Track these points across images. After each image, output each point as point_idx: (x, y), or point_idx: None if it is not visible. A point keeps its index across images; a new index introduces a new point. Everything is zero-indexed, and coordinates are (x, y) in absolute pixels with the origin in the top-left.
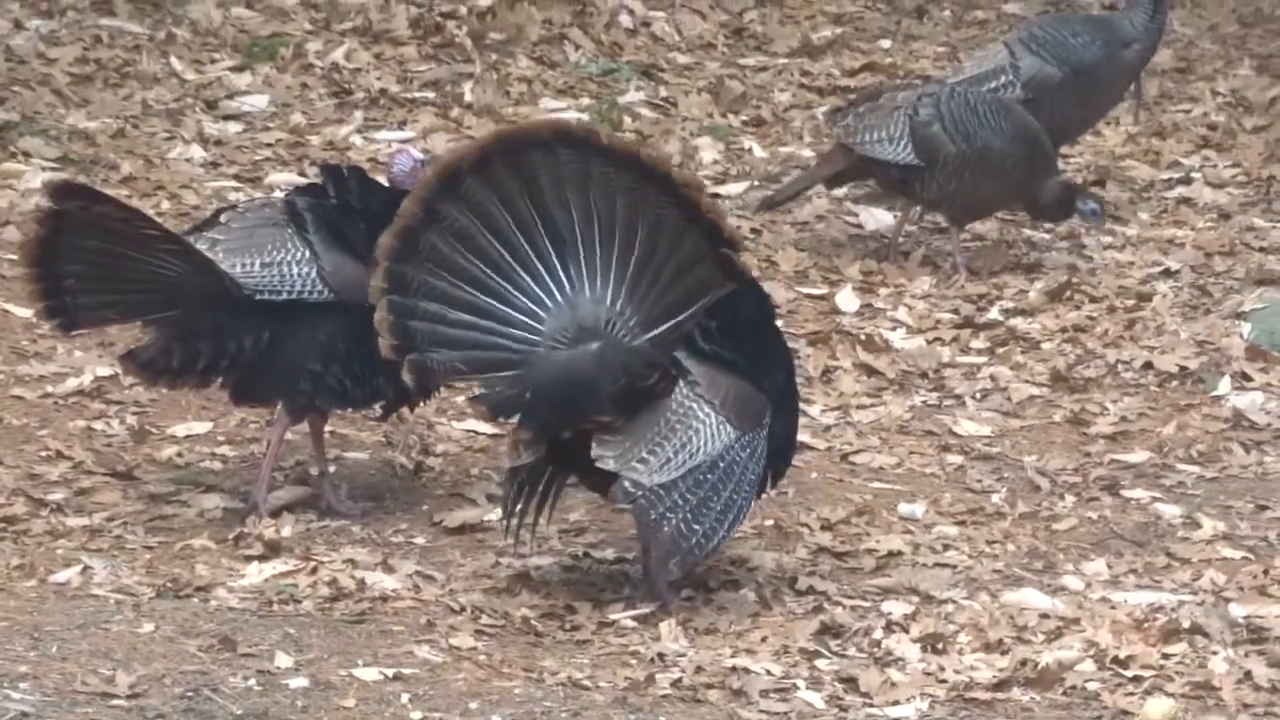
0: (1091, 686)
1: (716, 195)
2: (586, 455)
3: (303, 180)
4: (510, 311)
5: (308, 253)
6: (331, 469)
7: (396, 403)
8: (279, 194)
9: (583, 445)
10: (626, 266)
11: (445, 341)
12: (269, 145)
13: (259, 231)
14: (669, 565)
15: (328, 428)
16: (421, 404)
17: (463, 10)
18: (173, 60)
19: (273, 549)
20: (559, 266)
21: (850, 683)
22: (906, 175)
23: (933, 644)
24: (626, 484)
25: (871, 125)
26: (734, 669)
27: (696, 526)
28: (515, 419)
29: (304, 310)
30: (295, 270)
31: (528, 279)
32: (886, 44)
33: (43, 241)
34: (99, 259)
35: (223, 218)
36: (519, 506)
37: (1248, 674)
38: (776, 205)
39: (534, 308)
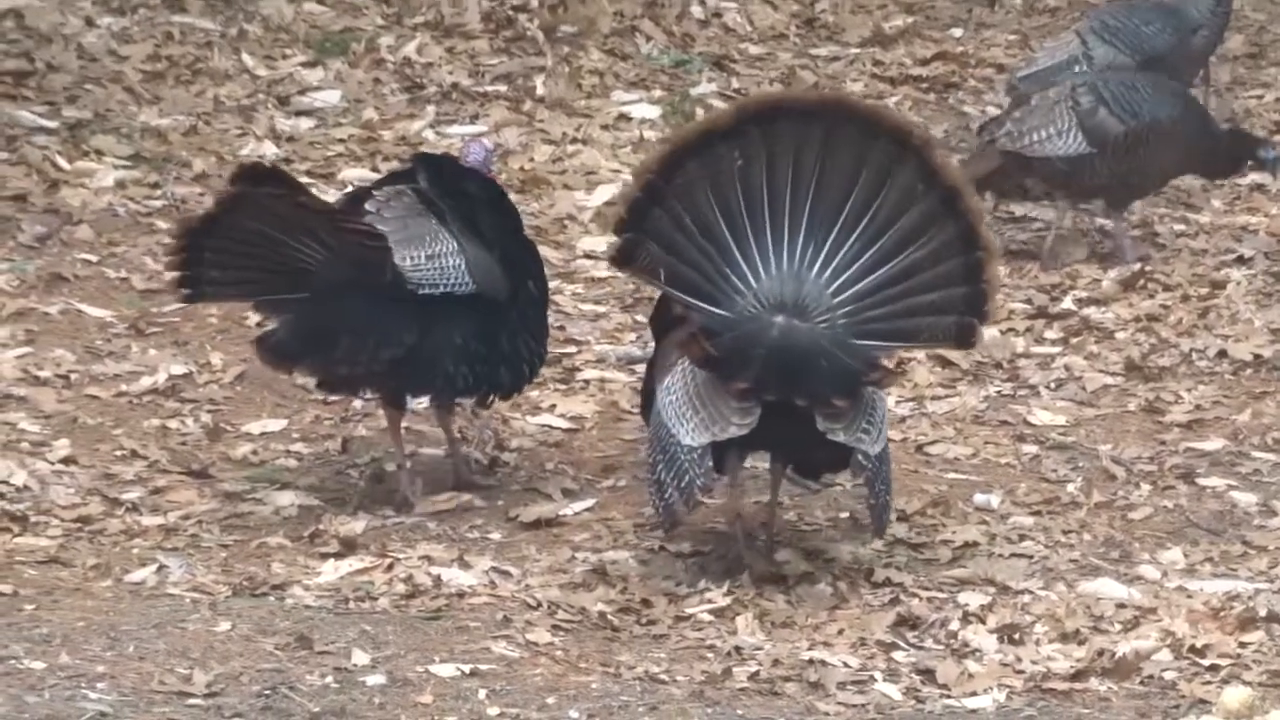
0: (1168, 676)
1: None
2: (798, 426)
3: (375, 175)
4: (733, 256)
5: (455, 244)
6: (408, 463)
7: (506, 394)
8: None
9: (794, 415)
10: (870, 271)
11: (665, 242)
12: (341, 141)
13: (414, 222)
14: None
15: (403, 424)
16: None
17: (534, 3)
18: (244, 56)
19: (348, 546)
20: (795, 239)
21: (928, 674)
22: (1074, 166)
23: (1009, 634)
24: (859, 456)
25: (1036, 125)
26: (811, 661)
27: (891, 494)
28: (735, 372)
29: (450, 303)
30: (451, 263)
31: (756, 239)
32: (958, 33)
33: (209, 218)
34: (251, 236)
35: (369, 206)
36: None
37: None
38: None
39: (751, 266)
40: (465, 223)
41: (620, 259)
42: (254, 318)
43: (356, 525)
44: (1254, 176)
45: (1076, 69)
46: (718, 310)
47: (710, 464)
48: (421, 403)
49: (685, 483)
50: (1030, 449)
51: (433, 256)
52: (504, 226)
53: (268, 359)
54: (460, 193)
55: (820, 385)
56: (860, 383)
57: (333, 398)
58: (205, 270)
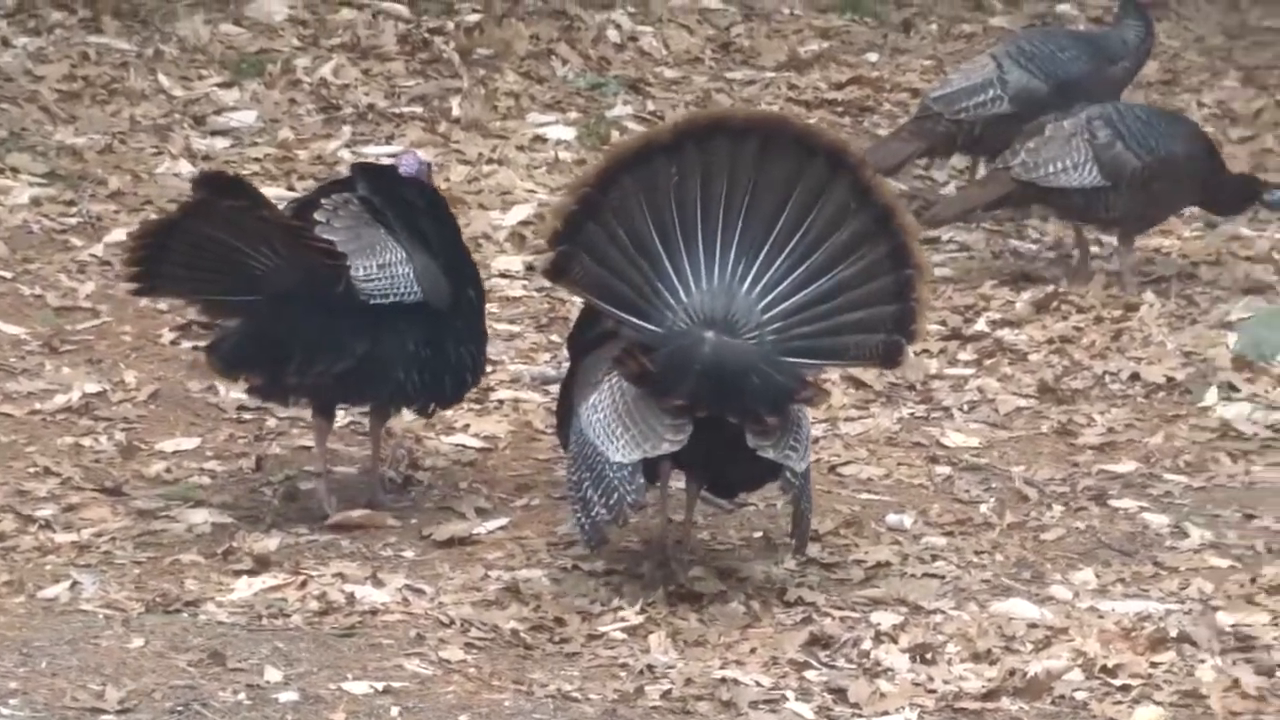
0: (1080, 696)
1: None
2: (726, 443)
3: (292, 194)
4: (665, 271)
5: (403, 253)
6: (326, 476)
7: (448, 402)
8: (336, 195)
9: (724, 432)
10: (800, 288)
11: (599, 256)
12: (257, 160)
13: (364, 232)
14: (805, 546)
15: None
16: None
17: (450, 26)
18: (160, 77)
19: (262, 563)
20: (727, 255)
21: (840, 693)
22: (1090, 199)
23: (922, 654)
24: (787, 473)
25: (1051, 157)
26: (723, 680)
27: (811, 512)
28: (670, 388)
29: (398, 312)
30: (400, 271)
31: (688, 254)
32: (873, 57)
33: (169, 222)
34: (207, 241)
35: (319, 215)
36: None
37: (1235, 682)
38: (939, 225)
39: (683, 281)
40: (409, 231)
41: (553, 272)
42: (168, 336)
43: (270, 542)
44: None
45: (991, 93)
46: (648, 325)
47: (641, 481)
48: (348, 413)
49: (614, 500)
50: (943, 470)
51: (383, 266)
52: (444, 235)
53: (217, 365)
54: (401, 201)
55: (752, 402)
56: (790, 400)
57: (263, 406)
58: (159, 267)
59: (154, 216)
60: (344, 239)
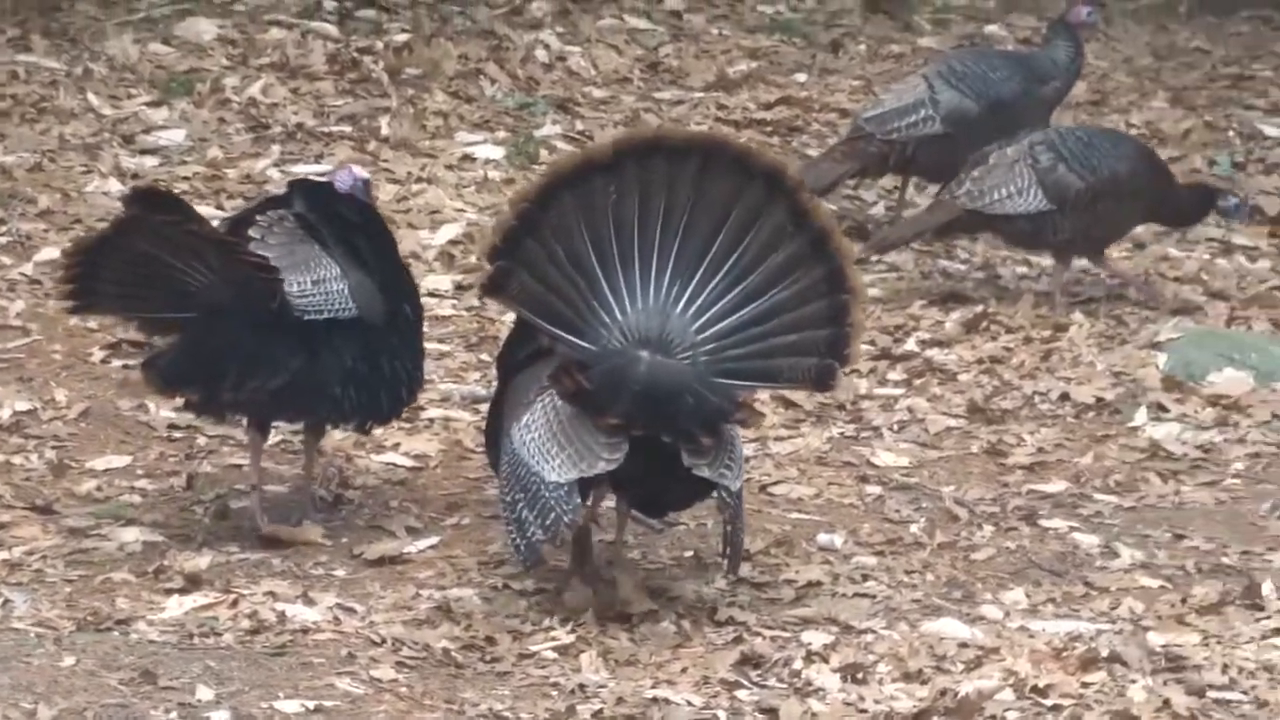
0: (1011, 716)
1: None
2: (661, 462)
3: (221, 213)
4: (601, 289)
5: (338, 269)
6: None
7: (384, 419)
8: (271, 211)
9: (659, 451)
10: (735, 310)
11: (536, 272)
12: (186, 179)
13: (299, 249)
14: (739, 565)
15: (247, 462)
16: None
17: (379, 46)
18: (89, 95)
19: (193, 582)
20: (663, 275)
21: (771, 713)
22: (1037, 224)
23: (853, 674)
24: (722, 493)
25: (995, 184)
26: (655, 700)
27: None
28: (605, 406)
29: (333, 328)
30: (335, 288)
31: (624, 272)
32: (802, 78)
33: (102, 238)
34: (140, 258)
35: (253, 232)
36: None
37: (1166, 702)
38: (887, 249)
39: (619, 299)
40: (345, 247)
41: (490, 287)
42: (98, 354)
43: (201, 561)
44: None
45: (923, 113)
46: (582, 343)
47: (578, 501)
48: (278, 430)
49: (551, 520)
50: (873, 490)
51: (318, 282)
52: (380, 251)
53: (153, 382)
54: (337, 217)
55: (687, 421)
56: (725, 420)
57: (193, 425)
58: (94, 284)
59: (86, 234)
60: (278, 255)
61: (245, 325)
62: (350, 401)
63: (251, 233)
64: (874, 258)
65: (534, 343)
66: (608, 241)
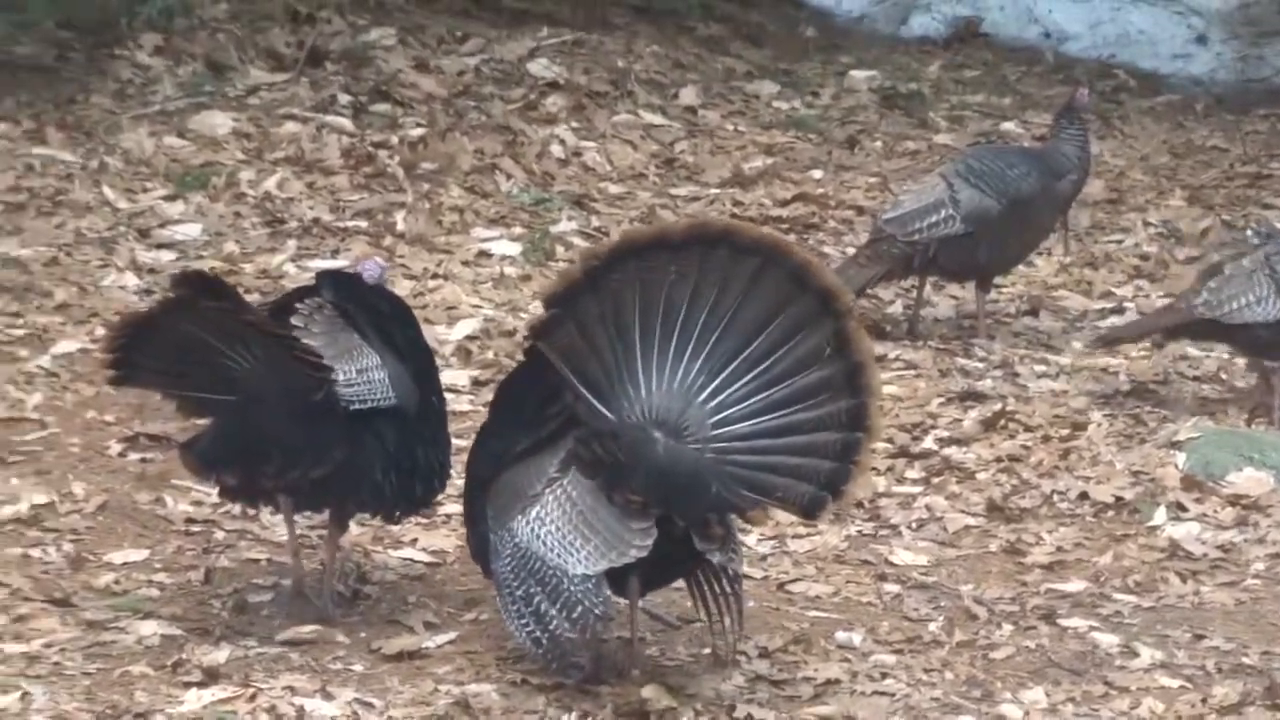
0: None
1: None
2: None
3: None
4: (635, 362)
5: (377, 358)
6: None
7: (415, 508)
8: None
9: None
10: (753, 415)
11: (583, 329)
12: None
13: (340, 337)
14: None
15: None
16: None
17: (394, 140)
18: (105, 189)
19: (211, 675)
20: (694, 362)
21: None
22: (1275, 332)
23: None
24: (731, 574)
25: (1234, 294)
26: None
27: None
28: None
29: (374, 418)
30: (376, 377)
31: (659, 352)
32: (818, 174)
33: (149, 317)
34: (184, 338)
35: (296, 320)
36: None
37: None
38: (1112, 344)
39: (647, 376)
40: (380, 336)
41: (539, 330)
42: (116, 447)
43: (219, 655)
44: (1113, 319)
45: (944, 213)
46: (605, 410)
47: (608, 593)
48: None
49: (578, 614)
50: (892, 588)
51: (362, 371)
52: (412, 341)
53: (191, 463)
54: (369, 306)
55: (705, 507)
56: (739, 512)
57: (210, 520)
58: (137, 357)
59: (134, 310)
60: (322, 344)
61: (288, 412)
62: (390, 488)
63: (294, 321)
64: (1099, 351)
65: (507, 438)
66: (654, 318)
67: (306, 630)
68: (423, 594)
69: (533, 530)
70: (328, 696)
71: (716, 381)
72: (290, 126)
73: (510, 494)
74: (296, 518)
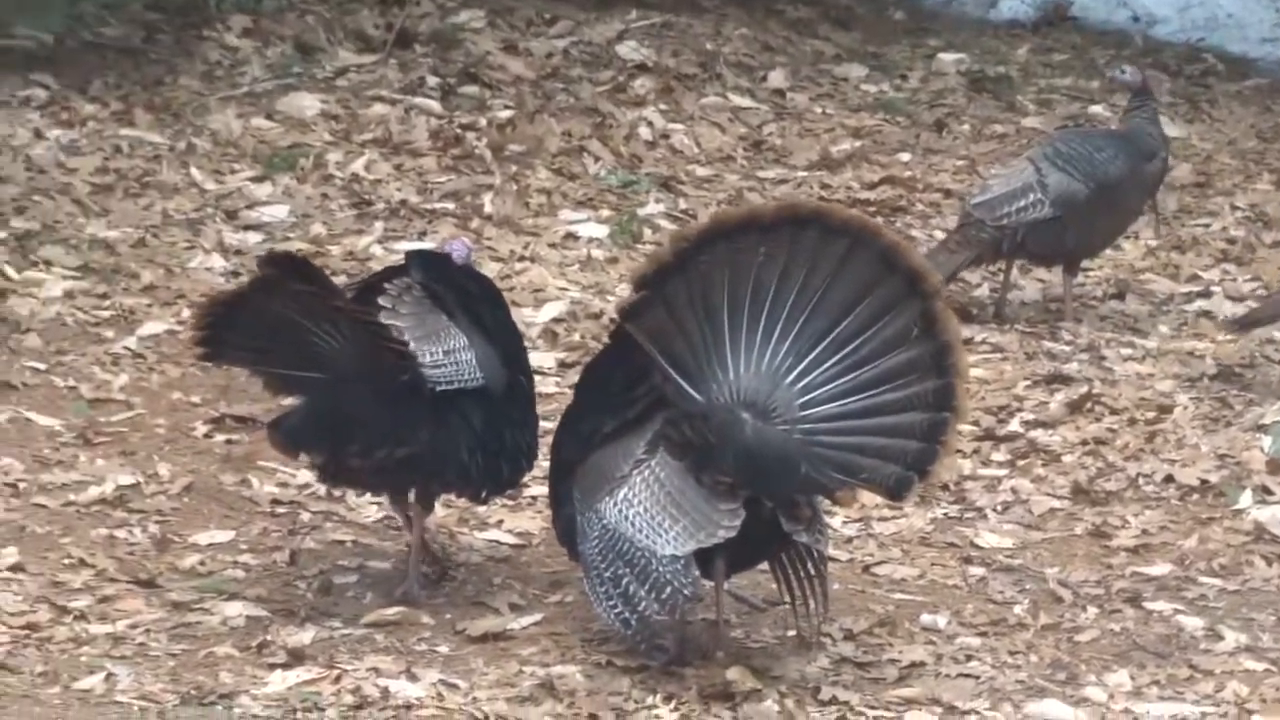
0: None
1: None
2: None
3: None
4: (724, 344)
5: (465, 340)
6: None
7: (501, 489)
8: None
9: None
10: (841, 397)
11: (674, 311)
12: None
13: (428, 318)
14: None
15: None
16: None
17: (482, 122)
18: (193, 170)
19: (296, 657)
20: (782, 344)
21: None
22: None
23: None
24: (817, 555)
25: None
26: None
27: None
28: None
29: (461, 398)
30: (464, 358)
31: (748, 333)
32: (906, 157)
33: (239, 295)
34: (273, 317)
35: (384, 301)
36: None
37: None
38: (1250, 327)
39: (735, 358)
40: (468, 317)
41: (628, 312)
42: (201, 429)
43: (304, 636)
44: (1200, 303)
45: (1032, 196)
46: (693, 392)
47: (696, 574)
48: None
49: (668, 594)
50: (977, 571)
51: (449, 352)
52: (500, 322)
53: (279, 442)
54: (458, 287)
55: (793, 488)
56: (827, 493)
57: (296, 501)
58: (226, 334)
59: (224, 289)
60: (409, 325)
61: (375, 392)
62: (477, 468)
63: (382, 301)
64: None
65: (593, 420)
66: (743, 300)
67: (391, 612)
68: (508, 575)
69: (621, 511)
70: (412, 678)
71: (804, 363)
72: (378, 108)
73: (597, 475)
74: (380, 500)
